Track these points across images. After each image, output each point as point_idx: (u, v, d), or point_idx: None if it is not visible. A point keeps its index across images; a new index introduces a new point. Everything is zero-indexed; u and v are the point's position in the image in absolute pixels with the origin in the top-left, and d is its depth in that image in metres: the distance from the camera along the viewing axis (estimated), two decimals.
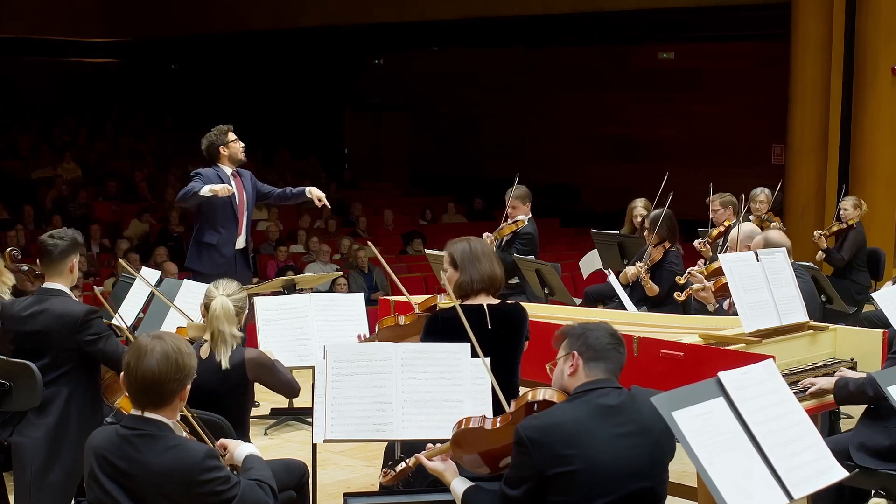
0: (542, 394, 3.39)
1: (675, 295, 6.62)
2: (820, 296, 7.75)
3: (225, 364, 4.40)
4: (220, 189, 7.09)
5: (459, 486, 3.50)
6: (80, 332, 4.71)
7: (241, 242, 7.42)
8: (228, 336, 4.45)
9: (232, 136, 7.39)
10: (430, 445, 3.67)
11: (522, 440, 3.20)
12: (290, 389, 4.77)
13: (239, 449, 3.59)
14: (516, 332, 4.52)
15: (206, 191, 7.08)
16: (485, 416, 3.51)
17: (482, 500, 3.41)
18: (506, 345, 4.43)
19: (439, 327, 4.39)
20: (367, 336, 5.25)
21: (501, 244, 8.24)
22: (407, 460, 3.71)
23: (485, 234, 7.92)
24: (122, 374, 3.32)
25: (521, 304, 4.72)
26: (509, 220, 8.30)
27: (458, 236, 4.71)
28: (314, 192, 7.51)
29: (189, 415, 3.58)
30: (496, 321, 4.41)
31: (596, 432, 3.21)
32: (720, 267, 6.16)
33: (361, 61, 20.94)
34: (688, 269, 6.99)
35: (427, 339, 4.43)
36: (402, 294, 5.40)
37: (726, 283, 5.95)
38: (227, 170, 7.38)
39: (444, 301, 4.85)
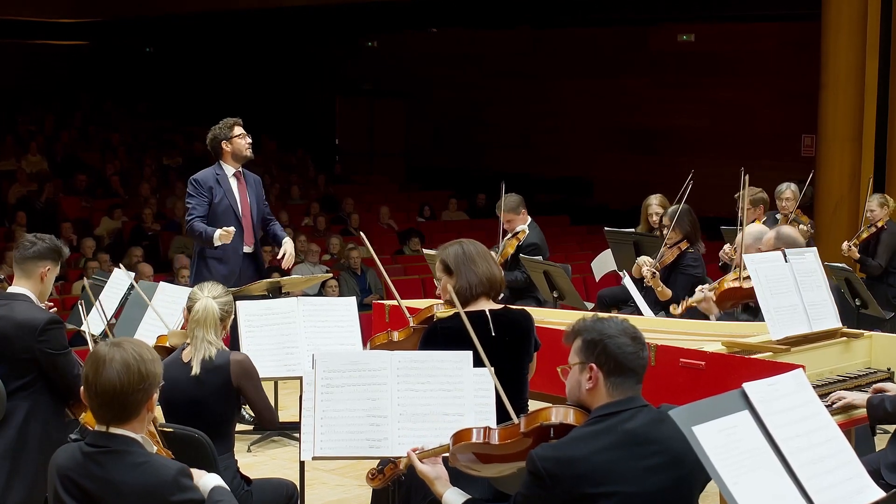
0: (560, 416, 3.31)
1: (672, 308, 6.49)
2: (854, 300, 7.77)
3: (196, 370, 4.49)
4: (228, 236, 7.06)
5: (454, 498, 3.49)
6: (40, 342, 4.71)
7: (248, 248, 7.44)
8: (202, 342, 4.52)
9: (238, 130, 7.37)
10: (419, 446, 3.67)
11: (539, 472, 3.14)
12: (270, 413, 4.84)
13: (203, 480, 3.49)
14: (524, 341, 4.51)
15: (217, 240, 7.04)
16: (488, 428, 3.47)
17: None
18: (513, 354, 4.42)
19: (439, 338, 4.38)
20: None
21: (508, 264, 8.15)
22: (396, 460, 3.73)
23: None
24: (81, 388, 3.30)
25: (528, 310, 4.72)
26: (508, 235, 8.27)
27: (460, 235, 4.73)
28: (287, 248, 7.49)
29: (155, 429, 3.58)
30: (500, 328, 4.41)
31: (623, 467, 3.15)
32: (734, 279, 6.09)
33: (353, 44, 20.95)
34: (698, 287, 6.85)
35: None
36: (394, 299, 5.40)
37: (730, 289, 5.95)
38: (230, 169, 7.34)
39: (442, 310, 4.85)
